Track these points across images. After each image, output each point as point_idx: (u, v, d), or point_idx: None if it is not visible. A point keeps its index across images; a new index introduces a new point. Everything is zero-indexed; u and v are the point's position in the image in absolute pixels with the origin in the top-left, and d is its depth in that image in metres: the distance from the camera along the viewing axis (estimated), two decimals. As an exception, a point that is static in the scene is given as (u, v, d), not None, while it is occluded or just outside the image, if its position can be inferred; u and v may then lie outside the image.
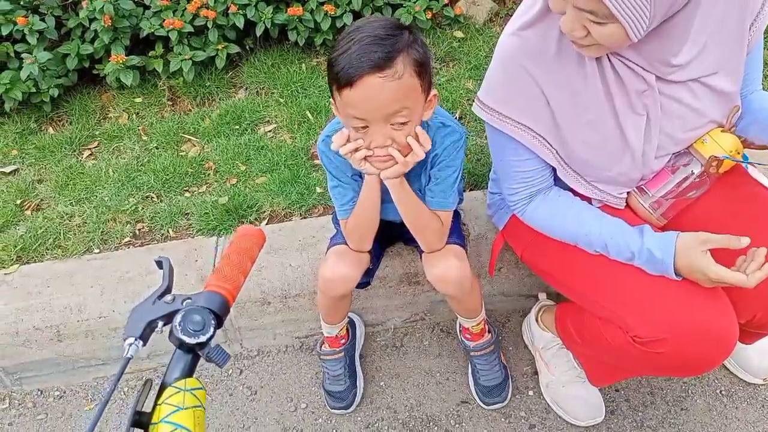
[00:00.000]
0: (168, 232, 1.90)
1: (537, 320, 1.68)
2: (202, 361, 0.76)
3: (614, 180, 1.23)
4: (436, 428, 1.60)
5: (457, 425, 1.60)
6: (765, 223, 1.19)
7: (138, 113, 2.37)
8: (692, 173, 1.21)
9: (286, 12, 2.24)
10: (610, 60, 1.08)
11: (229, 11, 2.20)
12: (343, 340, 1.64)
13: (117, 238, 1.89)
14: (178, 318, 0.73)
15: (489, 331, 1.63)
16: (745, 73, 1.18)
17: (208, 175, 2.07)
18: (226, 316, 0.79)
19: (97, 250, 1.87)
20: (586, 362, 1.52)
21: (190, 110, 2.36)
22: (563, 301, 1.55)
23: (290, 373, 1.76)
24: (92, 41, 2.26)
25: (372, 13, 2.28)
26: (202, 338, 0.73)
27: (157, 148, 2.20)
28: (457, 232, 1.48)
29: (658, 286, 1.15)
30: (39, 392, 1.80)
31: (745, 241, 1.04)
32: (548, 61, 1.10)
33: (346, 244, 1.42)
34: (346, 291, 1.43)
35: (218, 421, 1.67)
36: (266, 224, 1.87)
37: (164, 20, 2.17)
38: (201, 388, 0.71)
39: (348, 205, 1.34)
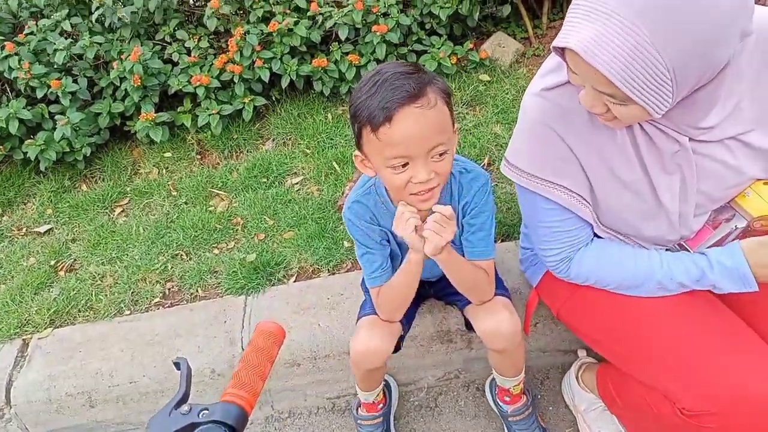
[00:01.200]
0: (197, 291, 1.89)
1: (578, 379, 1.60)
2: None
3: (653, 240, 1.16)
4: (474, 497, 1.53)
5: (496, 494, 1.53)
6: None
7: (167, 168, 2.40)
8: (735, 228, 1.14)
9: (311, 63, 2.25)
10: (640, 123, 1.03)
11: (255, 65, 2.22)
12: (381, 405, 1.60)
13: (147, 298, 1.89)
14: None
15: (525, 393, 1.55)
16: None
17: (237, 230, 2.06)
18: (244, 427, 0.76)
19: (127, 312, 1.87)
20: (630, 428, 1.43)
21: (218, 163, 2.38)
22: (605, 362, 1.47)
23: (322, 436, 1.71)
24: (123, 99, 2.31)
25: (397, 61, 2.28)
26: None
27: (186, 204, 2.22)
28: (500, 282, 1.43)
29: (707, 353, 1.08)
30: (71, 457, 1.79)
31: None
32: (577, 123, 1.06)
33: (376, 313, 1.38)
34: (379, 364, 1.38)
35: (250, 488, 1.63)
36: (294, 281, 1.84)
37: (192, 77, 2.21)
38: None
39: (378, 272, 1.30)
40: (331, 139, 2.32)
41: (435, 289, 1.54)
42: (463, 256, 1.30)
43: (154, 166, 2.42)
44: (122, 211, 2.28)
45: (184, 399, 0.76)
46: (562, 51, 0.92)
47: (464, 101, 2.36)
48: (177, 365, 0.77)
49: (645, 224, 1.12)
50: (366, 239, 1.28)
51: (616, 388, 1.34)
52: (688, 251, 1.18)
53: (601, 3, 0.81)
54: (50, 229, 2.25)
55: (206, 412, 0.74)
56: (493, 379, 1.57)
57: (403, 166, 1.05)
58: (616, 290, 1.19)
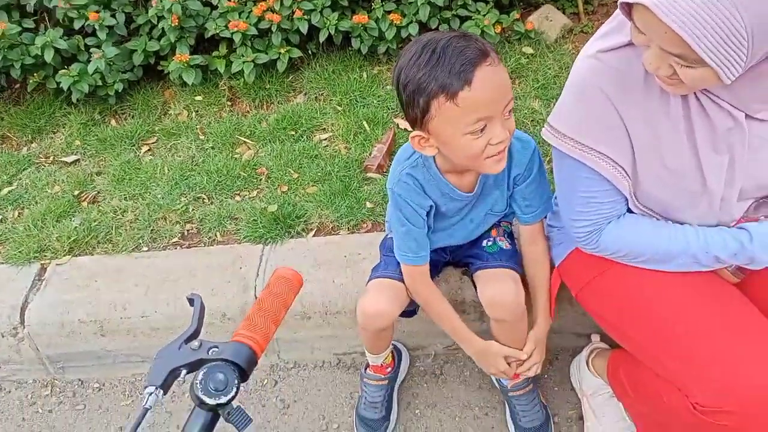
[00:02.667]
0: (216, 235, 1.89)
1: (588, 364, 1.57)
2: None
3: (687, 223, 1.12)
4: (470, 467, 1.53)
5: (493, 466, 1.52)
6: None
7: (197, 111, 2.39)
8: None
9: (351, 19, 2.21)
10: (696, 94, 0.98)
11: (294, 16, 2.18)
12: (389, 369, 1.59)
13: (166, 237, 1.90)
14: (200, 375, 0.68)
15: None
16: None
17: (260, 180, 2.05)
18: (253, 370, 0.75)
19: (145, 248, 1.88)
20: (637, 417, 1.40)
21: (248, 112, 2.36)
22: (618, 348, 1.44)
23: (325, 390, 1.72)
24: (159, 38, 2.30)
25: (438, 25, 2.22)
26: (223, 399, 0.68)
27: (212, 149, 2.21)
28: (515, 258, 1.41)
29: (728, 347, 1.04)
30: (80, 382, 1.82)
31: None
32: (631, 89, 1.01)
33: (389, 277, 1.36)
34: (385, 325, 1.37)
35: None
36: (313, 236, 1.83)
37: (229, 22, 2.18)
38: None
39: (411, 253, 1.28)
40: (364, 98, 2.28)
41: (454, 255, 1.52)
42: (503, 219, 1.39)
43: (184, 108, 2.41)
44: (149, 150, 2.28)
45: (195, 335, 0.75)
46: (628, 8, 0.87)
47: (503, 73, 2.30)
48: (191, 301, 0.76)
49: (684, 205, 1.08)
50: (414, 216, 1.25)
51: (627, 377, 1.31)
52: None
53: None
54: (77, 159, 2.27)
55: (216, 349, 0.73)
56: None
57: (482, 130, 1.02)
58: (647, 264, 1.15)
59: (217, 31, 2.18)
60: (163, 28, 2.22)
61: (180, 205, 1.99)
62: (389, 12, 2.19)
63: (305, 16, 2.17)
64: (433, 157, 1.18)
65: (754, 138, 1.01)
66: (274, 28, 2.19)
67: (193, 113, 2.39)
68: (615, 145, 1.05)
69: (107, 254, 1.87)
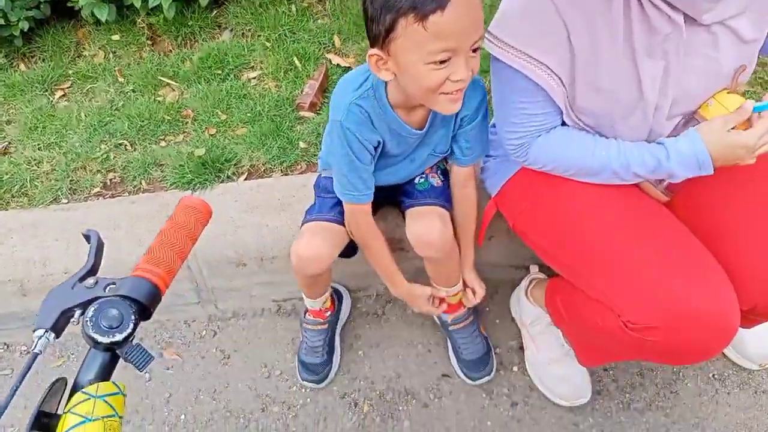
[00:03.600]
0: (141, 183, 1.78)
1: (527, 294, 1.59)
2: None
3: (622, 135, 1.11)
4: (414, 401, 1.54)
5: (436, 399, 1.54)
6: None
7: (115, 52, 2.21)
8: None
9: (275, -54, 2.04)
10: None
11: (214, -58, 2.00)
12: (328, 313, 1.57)
13: (86, 188, 1.78)
14: (89, 312, 0.63)
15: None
16: None
17: (186, 123, 1.93)
18: (156, 306, 0.69)
19: (65, 200, 1.76)
20: (575, 341, 1.43)
21: (170, 51, 2.20)
22: (555, 276, 1.45)
23: (265, 337, 1.68)
24: (64, -30, 2.08)
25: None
26: (119, 336, 0.62)
27: (133, 92, 2.06)
28: (445, 195, 1.38)
29: (655, 268, 1.05)
30: (5, 346, 1.73)
31: (749, 104, 1.01)
32: None
33: (325, 219, 1.31)
34: (320, 270, 1.32)
35: (189, 384, 1.61)
36: (245, 179, 1.75)
37: (141, -51, 1.98)
38: (118, 393, 0.62)
39: (356, 192, 1.21)
40: (294, 33, 2.15)
41: (388, 193, 1.47)
42: (447, 160, 1.34)
43: (100, 48, 2.22)
44: (63, 95, 2.11)
45: (92, 272, 0.68)
46: None
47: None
48: (87, 237, 0.69)
49: (618, 116, 1.06)
50: (361, 150, 1.16)
51: (563, 302, 1.32)
52: None
53: None
54: (-17, 108, 2.08)
55: (113, 286, 0.67)
56: None
57: (443, 62, 0.94)
58: (576, 177, 1.15)
59: (128, -40, 1.99)
60: (67, -41, 2.00)
61: (100, 153, 1.85)
62: (317, -63, 2.04)
63: (226, -58, 1.99)
64: (385, 88, 1.10)
65: (690, 45, 1.00)
66: (191, -44, 2.01)
67: (110, 54, 2.21)
68: (556, 54, 1.02)
69: (23, 208, 1.74)
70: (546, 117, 1.11)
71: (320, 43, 2.11)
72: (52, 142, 1.91)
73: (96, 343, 0.62)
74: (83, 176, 1.81)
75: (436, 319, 1.61)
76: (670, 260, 1.05)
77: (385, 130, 1.17)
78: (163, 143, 1.88)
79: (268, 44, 2.13)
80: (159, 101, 2.00)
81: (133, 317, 0.64)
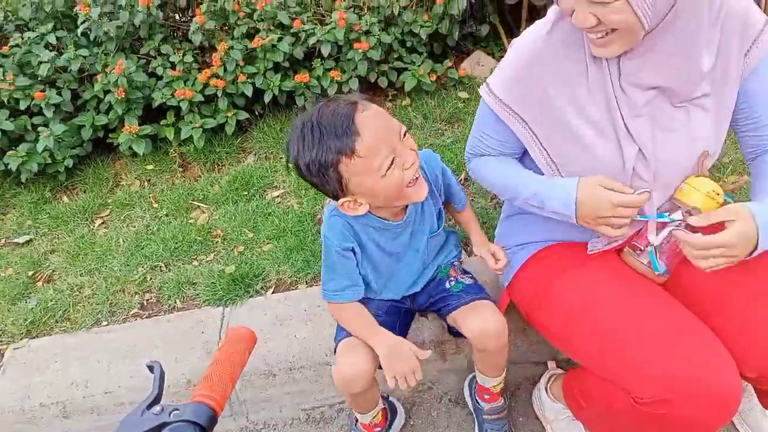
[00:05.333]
0: (175, 302, 1.90)
1: (547, 390, 1.63)
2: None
3: None
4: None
5: (468, 504, 1.54)
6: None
7: (149, 180, 2.42)
8: (673, 220, 1.19)
9: (293, 79, 2.30)
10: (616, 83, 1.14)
11: (238, 80, 2.25)
12: (377, 429, 1.58)
13: (125, 309, 1.90)
14: None
15: (502, 395, 1.58)
16: (757, 117, 1.19)
17: (216, 242, 2.08)
18: (214, 428, 0.78)
19: (105, 322, 1.88)
20: (592, 428, 1.46)
21: (199, 176, 2.40)
22: (570, 369, 1.51)
23: (296, 447, 1.72)
24: (107, 111, 2.34)
25: (377, 78, 2.32)
26: None
27: (166, 216, 2.24)
28: (483, 289, 1.47)
29: (658, 343, 1.12)
30: (45, 468, 1.78)
31: (644, 196, 1.14)
32: (559, 66, 1.16)
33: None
34: (364, 387, 1.35)
35: (223, 499, 1.63)
36: (272, 293, 1.86)
37: (175, 90, 2.24)
38: None
39: (342, 291, 1.35)
40: (312, 153, 2.35)
41: (417, 303, 1.54)
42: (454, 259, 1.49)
43: (136, 178, 2.44)
44: (102, 223, 2.29)
45: (156, 400, 0.78)
46: None
47: (443, 118, 2.42)
48: (150, 368, 0.79)
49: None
50: (340, 258, 1.31)
51: (579, 390, 1.37)
52: (640, 248, 1.26)
53: None
54: (29, 240, 2.26)
55: (177, 412, 0.76)
56: (473, 377, 1.59)
57: (392, 163, 1.11)
58: (500, 195, 1.41)
59: (164, 101, 2.23)
60: (110, 102, 2.26)
61: (137, 276, 2.00)
62: (329, 69, 2.29)
63: (249, 80, 2.25)
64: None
65: (664, 120, 1.15)
66: (219, 93, 2.26)
67: (145, 182, 2.42)
68: (535, 114, 1.21)
69: (66, 332, 1.85)
70: (499, 150, 1.32)
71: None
72: (93, 268, 2.06)
73: None
74: (122, 298, 1.94)
75: (471, 406, 1.63)
76: (672, 337, 1.12)
77: (372, 232, 1.30)
78: (195, 263, 2.03)
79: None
80: (191, 223, 2.17)
81: None
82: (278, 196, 2.24)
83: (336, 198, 1.17)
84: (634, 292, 1.23)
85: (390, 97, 2.51)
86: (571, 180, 1.20)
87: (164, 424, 0.74)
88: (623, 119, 1.14)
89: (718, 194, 1.17)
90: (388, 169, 1.10)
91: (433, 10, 2.20)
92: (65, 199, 2.43)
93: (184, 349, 1.72)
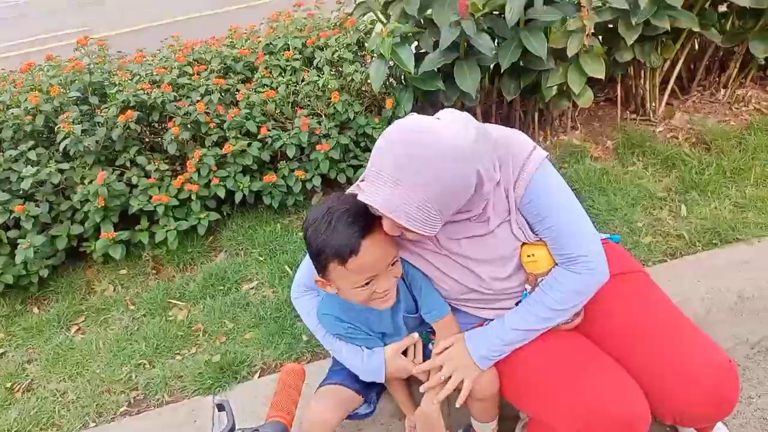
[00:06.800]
0: (163, 396, 1.95)
1: (524, 436, 1.78)
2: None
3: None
4: None
5: None
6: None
7: (122, 284, 2.51)
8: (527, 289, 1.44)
9: (261, 180, 2.52)
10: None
11: (212, 183, 2.45)
12: None
13: (113, 409, 1.94)
14: None
15: None
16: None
17: (198, 336, 2.18)
18: None
19: (93, 424, 1.90)
20: None
21: (173, 276, 2.51)
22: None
23: None
24: (81, 222, 2.45)
25: (337, 174, 2.58)
26: None
27: (144, 316, 2.31)
28: None
29: (572, 381, 1.30)
30: None
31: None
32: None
33: (332, 383, 1.54)
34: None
35: None
36: (258, 377, 1.96)
37: (152, 197, 2.40)
38: None
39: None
40: (281, 246, 2.54)
41: None
42: (422, 324, 1.56)
43: (109, 283, 2.51)
44: (79, 329, 2.33)
45: (233, 428, 0.92)
46: None
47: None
48: (220, 406, 0.94)
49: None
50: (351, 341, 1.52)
51: None
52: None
53: (382, 169, 1.14)
54: (3, 352, 2.26)
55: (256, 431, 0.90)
56: (469, 426, 1.71)
57: (368, 283, 1.30)
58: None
59: (141, 206, 2.38)
60: (86, 212, 2.38)
61: (123, 375, 2.04)
62: (294, 170, 2.53)
63: (222, 183, 2.45)
64: None
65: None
66: (194, 197, 2.44)
67: (119, 286, 2.50)
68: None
69: (53, 439, 1.86)
70: None
71: (305, 252, 2.47)
72: (75, 373, 2.09)
73: None
74: (108, 398, 1.97)
75: None
76: (583, 374, 1.31)
77: (354, 316, 1.48)
78: (179, 357, 2.10)
79: (261, 258, 2.49)
80: (170, 320, 2.26)
81: None
82: (253, 288, 2.38)
83: (320, 273, 1.36)
84: (553, 341, 1.41)
85: (348, 191, 2.77)
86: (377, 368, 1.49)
87: None
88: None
89: (531, 255, 1.38)
90: (360, 287, 1.30)
91: (383, 114, 2.52)
92: (36, 310, 2.46)
93: (179, 439, 1.77)
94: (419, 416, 1.50)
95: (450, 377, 1.44)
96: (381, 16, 2.65)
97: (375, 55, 2.28)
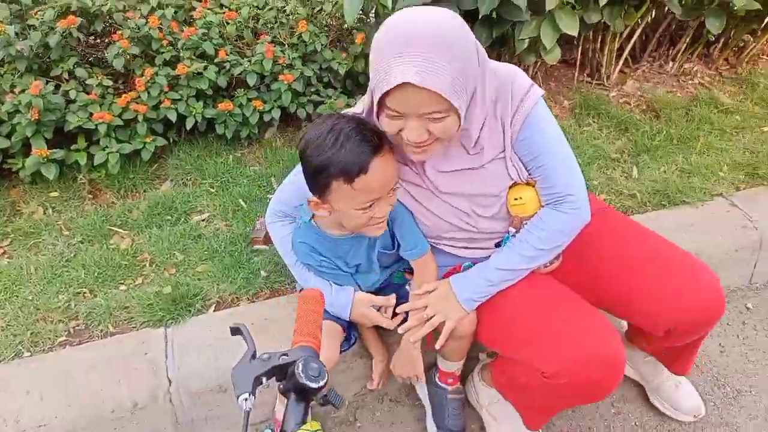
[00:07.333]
0: (107, 327, 1.83)
1: (480, 379, 1.84)
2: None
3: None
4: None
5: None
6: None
7: (54, 207, 2.29)
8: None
9: (215, 107, 2.36)
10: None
11: (162, 105, 2.26)
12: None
13: (50, 338, 1.79)
14: (299, 366, 0.81)
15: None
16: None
17: (144, 266, 2.04)
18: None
19: (27, 354, 1.75)
20: (519, 408, 1.66)
21: (113, 203, 2.33)
22: (494, 358, 1.73)
23: (249, 461, 1.73)
24: (8, 135, 2.19)
25: (297, 109, 2.47)
26: (322, 382, 0.81)
27: (82, 242, 2.14)
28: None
29: (552, 324, 1.36)
30: None
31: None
32: None
33: (324, 319, 1.50)
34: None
35: None
36: (214, 311, 1.88)
37: (92, 114, 2.18)
38: (321, 429, 0.79)
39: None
40: (234, 179, 2.41)
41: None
42: (399, 260, 1.56)
43: (38, 205, 2.29)
44: (4, 253, 2.12)
45: (254, 353, 0.86)
46: (378, 103, 1.18)
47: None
48: (236, 330, 0.87)
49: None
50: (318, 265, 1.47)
51: (504, 375, 1.60)
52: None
53: (407, 47, 1.10)
54: None
55: (285, 356, 0.85)
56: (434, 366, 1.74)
57: (370, 206, 1.26)
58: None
59: (81, 123, 2.16)
60: (14, 124, 2.13)
61: (60, 303, 1.89)
62: (251, 99, 2.39)
63: (173, 106, 2.26)
64: (309, 219, 1.44)
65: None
66: (140, 118, 2.24)
67: (50, 210, 2.29)
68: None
69: (-20, 367, 1.70)
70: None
71: (260, 186, 2.38)
72: (2, 299, 1.91)
73: (301, 391, 0.80)
74: (44, 327, 1.82)
75: (434, 391, 1.75)
76: (562, 317, 1.37)
77: (329, 248, 1.46)
78: (123, 287, 1.97)
79: (212, 190, 2.36)
80: (112, 249, 2.10)
81: (325, 367, 0.82)
82: (204, 220, 2.25)
83: (311, 191, 1.30)
84: (527, 285, 1.46)
85: (303, 128, 2.65)
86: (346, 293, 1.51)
87: (276, 367, 0.83)
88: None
89: (519, 198, 1.40)
90: (362, 209, 1.27)
91: (350, 50, 2.42)
92: (-48, 229, 2.21)
93: (127, 369, 1.68)
94: (399, 356, 1.50)
95: (431, 318, 1.45)
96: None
97: (350, -16, 2.16)
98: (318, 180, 1.25)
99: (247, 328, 0.90)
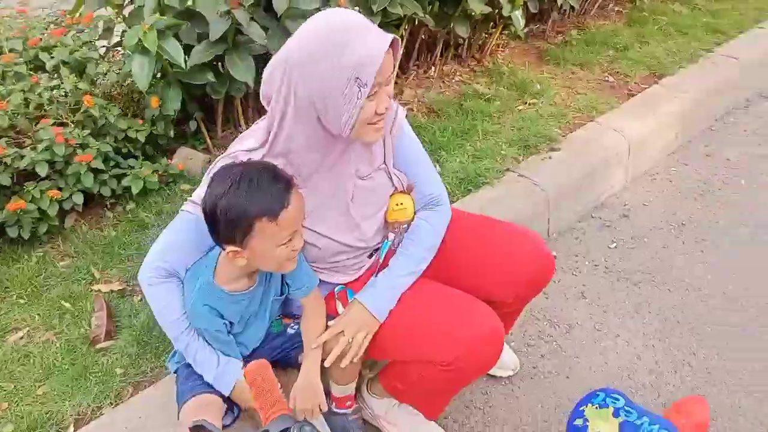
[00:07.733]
0: (-57, 497, 1.52)
1: (369, 393, 1.91)
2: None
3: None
4: None
5: None
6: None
7: None
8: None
9: (3, 209, 2.07)
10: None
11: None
12: None
13: None
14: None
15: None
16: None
17: (-34, 412, 1.73)
18: None
19: None
20: (417, 403, 1.77)
21: None
22: (383, 368, 1.81)
23: None
24: None
25: (101, 187, 2.28)
26: None
27: None
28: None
29: (437, 317, 1.49)
30: None
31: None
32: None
33: (204, 393, 1.45)
34: None
35: None
36: (75, 431, 1.68)
37: None
38: None
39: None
40: (46, 281, 2.15)
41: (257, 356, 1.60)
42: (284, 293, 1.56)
43: None
44: None
45: None
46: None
47: (173, 212, 2.50)
48: (198, 428, 0.83)
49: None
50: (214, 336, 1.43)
51: (398, 379, 1.69)
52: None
53: (355, 28, 1.21)
54: None
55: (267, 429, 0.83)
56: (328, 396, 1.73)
57: (290, 240, 1.30)
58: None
59: None
60: None
61: None
62: (45, 190, 2.15)
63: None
64: (212, 277, 1.40)
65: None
66: None
67: None
68: None
69: None
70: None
71: (80, 280, 2.16)
72: None
73: None
74: None
75: (329, 416, 1.72)
76: (445, 309, 1.51)
77: (227, 306, 1.43)
78: (-53, 444, 1.65)
79: (22, 301, 2.08)
80: None
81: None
82: (24, 337, 1.98)
83: (226, 244, 1.29)
84: (414, 287, 1.57)
85: (109, 207, 2.46)
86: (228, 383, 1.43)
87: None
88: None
89: (400, 204, 1.51)
90: (284, 244, 1.29)
91: (147, 114, 2.31)
92: None
93: None
94: (300, 389, 1.49)
95: (355, 336, 1.49)
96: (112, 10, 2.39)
97: (131, 52, 2.07)
98: (238, 227, 1.25)
99: (208, 421, 0.87)
